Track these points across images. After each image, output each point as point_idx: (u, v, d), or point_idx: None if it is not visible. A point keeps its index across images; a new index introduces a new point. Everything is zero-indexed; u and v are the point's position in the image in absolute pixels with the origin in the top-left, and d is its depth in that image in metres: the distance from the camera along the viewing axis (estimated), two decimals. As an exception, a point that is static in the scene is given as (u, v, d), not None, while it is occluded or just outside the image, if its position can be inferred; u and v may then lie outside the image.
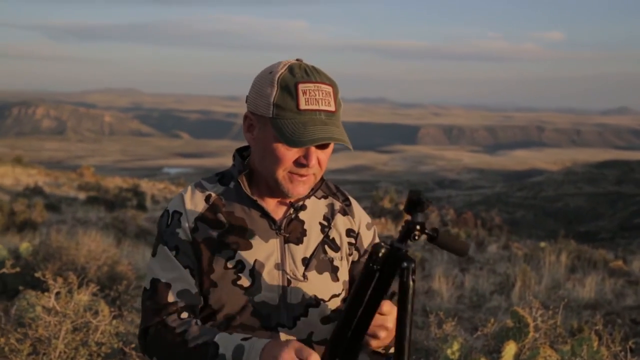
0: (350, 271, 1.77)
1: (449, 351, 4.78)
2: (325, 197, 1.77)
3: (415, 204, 1.42)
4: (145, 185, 31.90)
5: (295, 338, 1.63)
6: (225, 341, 1.53)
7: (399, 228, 1.58)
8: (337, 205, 1.78)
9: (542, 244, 13.86)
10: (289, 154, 1.58)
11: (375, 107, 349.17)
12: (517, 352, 4.55)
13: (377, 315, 1.50)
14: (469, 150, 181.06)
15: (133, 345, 4.33)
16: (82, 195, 28.68)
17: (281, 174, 1.60)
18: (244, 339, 1.53)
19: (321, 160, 1.62)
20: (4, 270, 4.46)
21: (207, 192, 1.67)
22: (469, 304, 9.35)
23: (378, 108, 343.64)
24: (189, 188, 1.68)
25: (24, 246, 9.67)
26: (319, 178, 1.68)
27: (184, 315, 1.61)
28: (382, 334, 1.54)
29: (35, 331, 3.88)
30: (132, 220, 15.48)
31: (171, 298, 1.60)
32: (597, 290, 8.95)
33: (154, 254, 1.66)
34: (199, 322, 1.62)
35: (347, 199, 1.81)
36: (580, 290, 8.90)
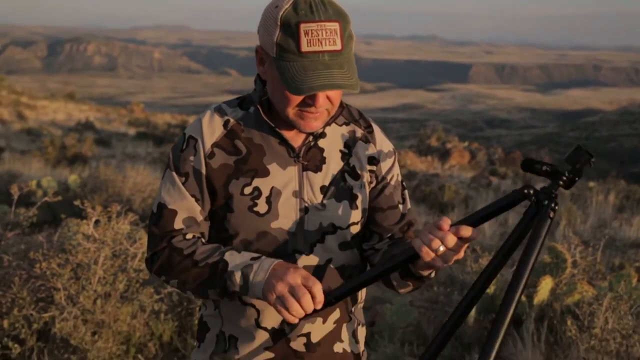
0: (371, 201, 1.73)
1: (484, 285, 4.76)
2: (347, 124, 1.72)
3: (578, 158, 1.50)
4: (193, 122, 32.12)
5: (314, 264, 1.63)
6: (235, 259, 1.54)
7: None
8: (359, 132, 1.73)
9: (591, 184, 13.60)
10: (294, 96, 1.53)
11: (425, 45, 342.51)
12: (553, 287, 4.51)
13: (457, 240, 1.47)
14: (522, 89, 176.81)
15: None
16: (131, 131, 29.17)
17: (291, 112, 1.56)
18: (253, 259, 1.53)
19: (331, 97, 1.55)
20: (46, 198, 4.55)
21: (226, 117, 1.64)
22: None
23: (429, 45, 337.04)
24: (208, 112, 1.65)
25: (73, 178, 9.92)
26: (333, 112, 1.61)
27: (189, 236, 1.62)
28: (451, 260, 1.49)
29: (75, 257, 3.99)
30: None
31: (177, 225, 1.61)
32: (644, 230, 8.77)
33: (163, 177, 1.66)
34: (204, 241, 1.63)
35: (370, 126, 1.76)
36: (627, 229, 8.74)
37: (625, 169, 38.35)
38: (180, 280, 1.59)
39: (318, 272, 1.64)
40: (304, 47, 1.47)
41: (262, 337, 1.63)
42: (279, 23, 1.50)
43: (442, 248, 1.45)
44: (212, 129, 1.62)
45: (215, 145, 1.61)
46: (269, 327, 1.63)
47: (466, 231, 1.46)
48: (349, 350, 1.73)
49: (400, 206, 1.76)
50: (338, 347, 1.70)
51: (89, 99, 54.34)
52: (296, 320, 1.49)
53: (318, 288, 1.47)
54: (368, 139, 1.73)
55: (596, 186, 12.66)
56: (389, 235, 1.73)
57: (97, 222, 4.28)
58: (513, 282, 1.44)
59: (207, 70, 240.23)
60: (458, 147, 20.83)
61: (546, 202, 1.50)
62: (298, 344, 1.64)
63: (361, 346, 1.79)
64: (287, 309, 1.46)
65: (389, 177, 1.74)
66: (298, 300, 1.46)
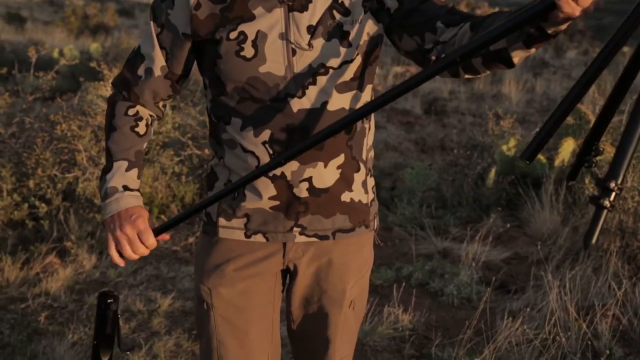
0: (400, 11, 1.58)
1: (504, 147, 4.74)
2: None
3: None
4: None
5: (307, 107, 1.59)
6: (111, 177, 1.65)
7: None
8: None
9: (626, 49, 13.16)
10: None
11: None
12: (574, 149, 4.47)
13: None
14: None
15: (189, 135, 4.47)
16: (154, 1, 28.58)
17: None
18: (118, 190, 1.64)
19: None
20: (65, 61, 4.54)
21: None
22: (538, 108, 9.15)
23: None
24: None
25: (94, 47, 9.88)
26: None
27: (132, 111, 1.69)
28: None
29: (95, 119, 4.02)
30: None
31: (140, 71, 1.64)
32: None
33: (148, 22, 1.66)
34: (132, 126, 1.69)
35: None
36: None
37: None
38: (105, 135, 1.74)
39: (313, 114, 1.59)
40: None
41: (264, 184, 1.63)
42: None
43: None
44: None
45: None
46: (270, 174, 1.62)
47: None
48: (356, 199, 1.71)
49: None
50: (346, 197, 1.67)
51: (110, -32, 52.93)
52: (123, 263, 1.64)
53: (152, 243, 1.60)
54: None
55: (630, 51, 12.25)
56: (443, 20, 1.54)
57: (115, 85, 4.28)
58: None
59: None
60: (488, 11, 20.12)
61: None
62: (301, 190, 1.63)
63: (370, 195, 1.77)
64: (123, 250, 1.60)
65: None
66: (132, 247, 1.59)
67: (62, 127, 3.95)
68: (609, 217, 3.73)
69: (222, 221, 1.67)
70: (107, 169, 1.65)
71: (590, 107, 5.26)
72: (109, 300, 1.64)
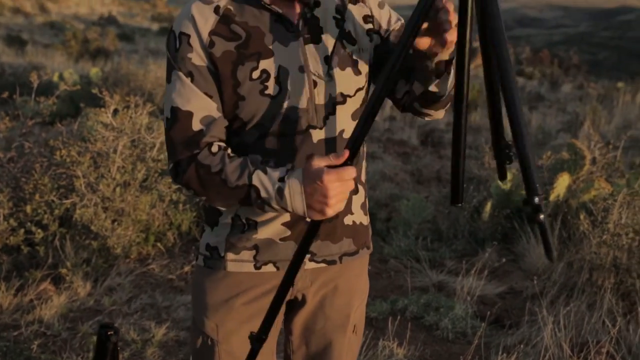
0: (379, 55, 1.69)
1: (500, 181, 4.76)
2: None
3: None
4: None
5: (328, 137, 1.62)
6: (262, 183, 1.50)
7: None
8: None
9: (620, 84, 13.30)
10: None
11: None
12: (570, 184, 4.50)
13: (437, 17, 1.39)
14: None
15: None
16: (155, 26, 28.85)
17: None
18: (280, 179, 1.49)
19: None
20: (66, 86, 4.57)
21: (214, 4, 1.56)
22: (534, 142, 9.21)
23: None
24: (193, 4, 1.57)
25: (94, 71, 9.94)
26: None
27: (214, 149, 1.56)
28: (452, 34, 1.40)
29: (94, 145, 4.04)
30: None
31: (196, 126, 1.54)
32: (670, 132, 8.62)
33: (168, 81, 1.57)
34: (230, 154, 1.57)
35: None
36: (652, 130, 8.61)
37: (658, 70, 37.33)
38: (208, 196, 1.57)
39: (331, 143, 1.63)
40: None
41: (280, 214, 1.65)
42: None
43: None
44: (204, 18, 1.55)
45: (212, 33, 1.55)
46: None
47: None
48: (358, 222, 1.75)
49: None
50: (348, 220, 1.72)
51: (111, -8, 53.40)
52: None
53: (349, 173, 1.44)
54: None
55: (624, 87, 12.38)
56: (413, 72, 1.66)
57: (115, 111, 4.31)
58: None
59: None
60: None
61: None
62: None
63: (368, 216, 1.82)
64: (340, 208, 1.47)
65: (391, 24, 1.71)
66: (345, 198, 1.46)
67: (61, 153, 3.96)
68: (603, 254, 3.75)
69: (230, 255, 1.66)
70: (256, 196, 1.51)
71: (585, 142, 5.30)
72: (109, 332, 1.65)
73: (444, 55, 1.50)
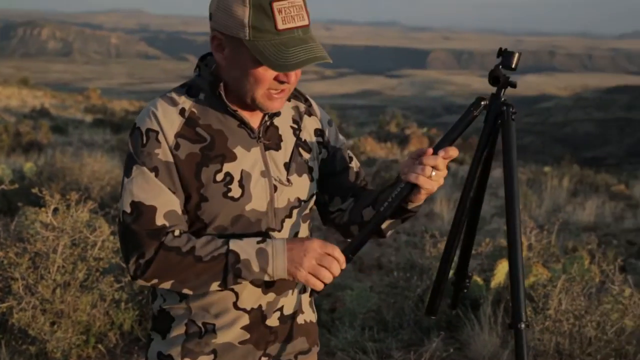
0: (323, 169, 1.81)
1: (442, 269, 4.84)
2: (290, 100, 1.79)
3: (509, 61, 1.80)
4: (152, 108, 31.68)
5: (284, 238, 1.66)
6: (242, 247, 1.55)
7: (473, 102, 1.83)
8: (302, 107, 1.80)
9: (546, 169, 13.87)
10: (268, 74, 1.55)
11: (385, 31, 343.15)
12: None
13: (438, 160, 1.63)
14: (479, 75, 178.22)
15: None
16: (88, 118, 28.65)
17: (260, 93, 1.57)
18: (260, 242, 1.56)
19: (297, 74, 1.60)
20: (4, 186, 4.47)
21: (180, 106, 1.62)
22: (469, 226, 9.43)
23: (388, 31, 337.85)
24: (158, 103, 1.62)
25: (28, 166, 9.76)
26: (292, 90, 1.66)
27: (177, 232, 1.58)
28: (442, 181, 1.65)
29: (34, 245, 3.94)
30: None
31: (159, 221, 1.55)
32: (597, 214, 8.99)
33: (128, 175, 1.59)
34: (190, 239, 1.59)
35: (308, 99, 1.84)
36: (581, 213, 8.95)
37: (580, 153, 39.15)
38: (178, 279, 1.55)
39: None
40: (280, 25, 1.51)
41: (239, 318, 1.66)
42: (247, 4, 1.50)
43: (434, 173, 1.62)
44: (170, 120, 1.59)
45: (178, 135, 1.59)
46: (248, 308, 1.66)
47: (454, 152, 1.64)
48: (308, 320, 1.80)
49: (353, 163, 1.87)
50: (300, 319, 1.77)
51: (43, 84, 53.19)
52: (322, 287, 1.58)
53: (338, 251, 1.57)
54: (310, 112, 1.81)
55: (551, 171, 12.91)
56: (352, 193, 1.84)
57: (55, 210, 4.23)
58: (508, 184, 1.70)
59: (165, 55, 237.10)
60: (417, 133, 21.02)
61: (504, 108, 1.80)
62: (273, 320, 1.69)
63: (315, 315, 1.86)
64: (320, 280, 1.55)
65: (338, 142, 1.85)
66: (328, 269, 1.55)
67: (-2, 255, 3.85)
68: (546, 340, 3.82)
69: None
70: (235, 260, 1.54)
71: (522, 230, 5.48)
72: None
73: (421, 201, 1.71)
